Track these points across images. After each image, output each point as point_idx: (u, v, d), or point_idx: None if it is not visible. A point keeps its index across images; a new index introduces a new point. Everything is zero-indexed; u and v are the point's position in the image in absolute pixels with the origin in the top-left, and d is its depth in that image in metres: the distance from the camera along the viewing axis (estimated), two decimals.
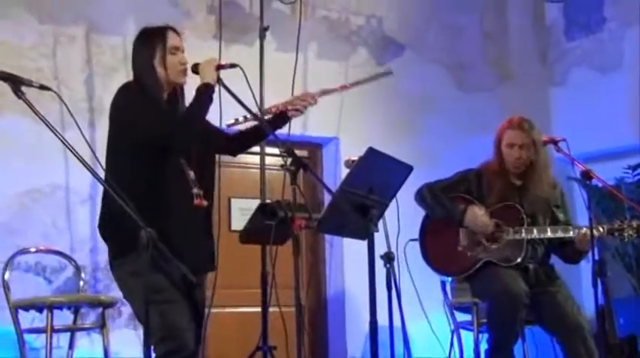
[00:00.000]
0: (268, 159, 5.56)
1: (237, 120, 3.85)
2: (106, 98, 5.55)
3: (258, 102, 4.57)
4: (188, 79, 3.62)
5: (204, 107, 3.49)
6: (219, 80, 3.56)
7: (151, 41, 3.56)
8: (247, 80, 3.63)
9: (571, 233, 4.63)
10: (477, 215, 4.70)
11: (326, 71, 6.63)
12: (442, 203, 4.78)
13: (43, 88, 2.98)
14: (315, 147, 6.73)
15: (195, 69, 3.58)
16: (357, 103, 6.64)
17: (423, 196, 4.84)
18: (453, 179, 4.90)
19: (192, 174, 3.51)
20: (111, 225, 3.43)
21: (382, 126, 6.69)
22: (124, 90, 3.51)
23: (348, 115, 6.63)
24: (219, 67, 3.58)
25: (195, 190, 3.49)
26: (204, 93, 3.49)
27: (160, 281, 3.27)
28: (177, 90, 3.62)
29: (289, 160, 3.52)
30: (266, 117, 3.85)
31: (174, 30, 3.64)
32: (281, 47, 6.31)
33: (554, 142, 4.65)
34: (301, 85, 6.36)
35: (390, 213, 3.90)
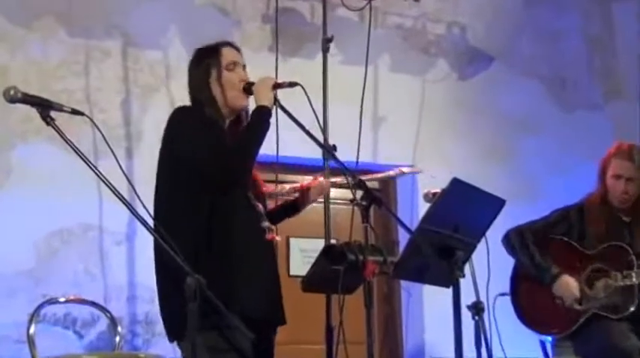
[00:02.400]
0: (334, 192, 5.55)
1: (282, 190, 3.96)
2: (145, 122, 5.65)
3: (322, 125, 4.58)
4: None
5: (259, 135, 3.52)
6: (276, 101, 3.59)
7: (204, 60, 3.64)
8: (310, 101, 3.65)
9: None
10: (570, 287, 4.64)
11: (400, 87, 6.64)
12: (532, 257, 4.73)
13: (75, 112, 3.04)
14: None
15: (249, 89, 3.61)
16: (438, 125, 6.63)
17: (511, 243, 4.80)
18: (550, 219, 4.85)
19: (260, 206, 3.58)
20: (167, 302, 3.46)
21: (468, 151, 6.65)
22: (178, 114, 3.58)
23: (426, 139, 6.62)
24: (277, 86, 3.61)
25: (265, 223, 3.56)
26: (260, 118, 3.52)
27: (215, 339, 3.30)
28: (242, 116, 3.68)
29: (359, 194, 3.52)
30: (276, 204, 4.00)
31: (232, 45, 3.72)
32: (347, 60, 6.34)
33: None
34: (372, 104, 6.38)
35: (478, 255, 3.87)
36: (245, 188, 3.55)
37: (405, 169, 4.54)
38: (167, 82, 5.56)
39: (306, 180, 4.13)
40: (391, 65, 6.69)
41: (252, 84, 3.61)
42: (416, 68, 6.79)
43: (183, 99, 5.23)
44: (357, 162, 5.06)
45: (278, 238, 3.65)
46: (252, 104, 3.64)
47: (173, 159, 3.50)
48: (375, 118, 6.47)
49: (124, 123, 5.73)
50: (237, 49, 3.73)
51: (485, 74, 7.00)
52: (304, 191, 4.05)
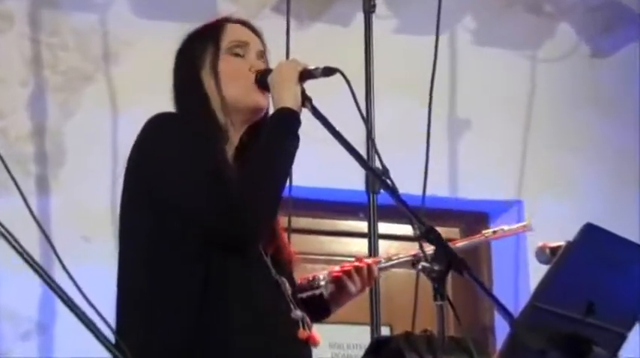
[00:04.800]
0: (384, 246, 5.53)
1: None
2: (69, 133, 5.67)
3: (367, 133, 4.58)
4: None
5: (282, 157, 3.55)
6: (305, 101, 3.60)
7: (198, 44, 3.71)
8: (354, 97, 3.63)
9: None
10: None
11: (492, 70, 6.65)
12: None
13: None
14: (476, 219, 6.72)
15: (263, 81, 3.65)
16: (556, 131, 6.63)
17: None
18: None
19: (287, 285, 3.59)
20: None
21: (603, 174, 6.65)
22: (154, 124, 3.57)
23: (536, 155, 6.65)
24: (306, 76, 3.63)
25: (297, 313, 3.57)
26: (282, 129, 3.55)
27: None
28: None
29: (430, 250, 3.50)
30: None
31: (244, 22, 3.79)
32: (406, 27, 6.40)
33: None
34: (446, 98, 6.39)
35: (629, 350, 3.85)
36: (257, 251, 3.56)
37: (507, 228, 4.44)
38: (106, 65, 5.58)
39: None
40: (477, 34, 6.72)
41: (268, 72, 3.64)
42: (519, 39, 6.83)
43: (132, 92, 5.29)
44: (424, 196, 5.03)
45: (317, 338, 3.62)
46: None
47: (140, 199, 3.53)
48: (451, 122, 6.51)
49: (33, 134, 5.75)
50: (253, 29, 3.79)
51: (633, 47, 7.01)
52: (340, 281, 4.01)
